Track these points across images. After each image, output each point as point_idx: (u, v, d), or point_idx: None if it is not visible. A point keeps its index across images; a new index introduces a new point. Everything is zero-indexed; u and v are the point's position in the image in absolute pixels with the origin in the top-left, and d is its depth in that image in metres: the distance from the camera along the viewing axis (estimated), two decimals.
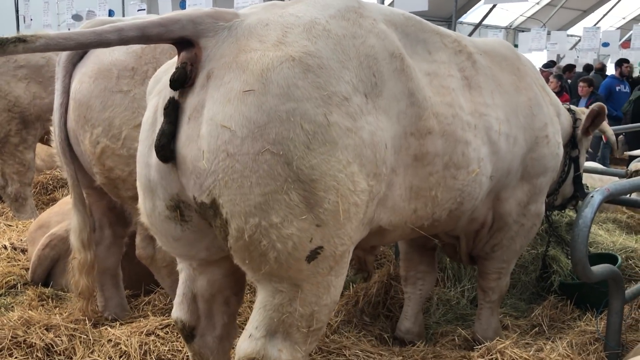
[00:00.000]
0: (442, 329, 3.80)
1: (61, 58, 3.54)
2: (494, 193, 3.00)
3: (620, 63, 12.24)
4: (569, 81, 13.14)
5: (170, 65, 2.24)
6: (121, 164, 3.33)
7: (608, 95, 11.43)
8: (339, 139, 1.93)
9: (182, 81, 1.93)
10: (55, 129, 3.51)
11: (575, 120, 3.77)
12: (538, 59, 18.18)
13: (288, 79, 1.87)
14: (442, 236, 3.20)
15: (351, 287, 4.13)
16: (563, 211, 4.39)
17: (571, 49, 23.16)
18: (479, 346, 3.01)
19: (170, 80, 1.94)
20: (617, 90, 11.59)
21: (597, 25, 20.20)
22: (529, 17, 27.41)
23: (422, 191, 2.41)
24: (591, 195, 2.81)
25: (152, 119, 2.12)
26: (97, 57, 3.45)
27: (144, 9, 10.45)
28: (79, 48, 1.87)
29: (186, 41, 1.96)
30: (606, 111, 3.82)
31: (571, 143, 3.76)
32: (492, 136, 2.71)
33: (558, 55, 21.16)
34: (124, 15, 11.94)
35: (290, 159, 1.85)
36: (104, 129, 3.33)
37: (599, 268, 2.96)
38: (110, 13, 11.54)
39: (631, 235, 5.62)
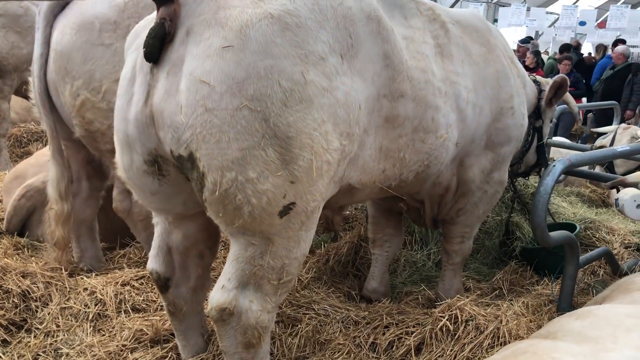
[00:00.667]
0: (407, 289, 3.97)
1: (42, 8, 3.52)
2: (458, 159, 3.12)
3: (616, 43, 12.13)
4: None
5: (149, 21, 2.24)
6: (101, 117, 3.36)
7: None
8: (315, 97, 1.99)
9: (161, 37, 1.95)
10: (34, 80, 3.51)
11: (540, 91, 3.90)
12: (517, 34, 18.29)
13: (266, 35, 1.91)
14: (407, 199, 3.32)
15: (322, 246, 4.27)
16: (527, 178, 4.56)
17: (550, 26, 23.31)
18: (440, 302, 3.18)
19: (147, 36, 1.96)
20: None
21: (575, 4, 20.34)
22: None
23: (391, 152, 2.51)
24: (553, 164, 2.96)
25: (130, 74, 2.13)
26: (80, 9, 3.44)
27: None
28: None
29: None
30: (568, 83, 3.95)
31: (535, 113, 3.90)
32: (460, 104, 2.81)
33: (537, 32, 21.32)
34: None
35: (267, 116, 1.90)
36: (84, 82, 3.35)
37: (556, 234, 3.13)
38: None
39: (592, 208, 5.88)
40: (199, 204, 2.14)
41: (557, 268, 3.74)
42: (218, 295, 2.20)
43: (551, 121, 4.27)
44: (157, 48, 1.96)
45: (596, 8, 22.88)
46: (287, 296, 3.50)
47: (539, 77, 4.06)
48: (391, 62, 2.36)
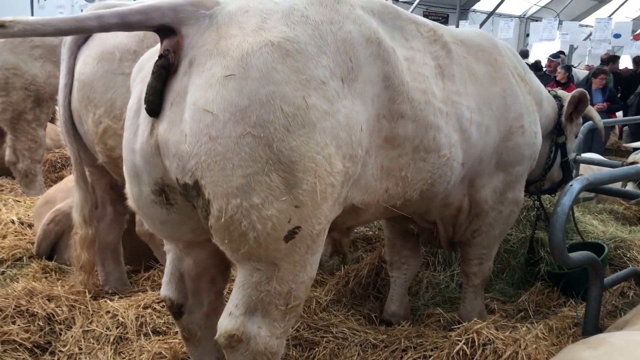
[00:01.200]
0: (429, 310, 3.92)
1: (66, 40, 3.66)
2: (468, 180, 3.09)
3: None
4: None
5: (153, 53, 2.30)
6: (122, 143, 3.45)
7: None
8: (317, 121, 2.01)
9: (165, 68, 1.99)
10: (60, 109, 3.64)
11: (560, 107, 3.83)
12: (549, 49, 18.05)
13: (267, 63, 1.94)
14: (418, 221, 3.29)
15: (342, 267, 4.26)
16: (553, 195, 4.46)
17: (585, 39, 22.92)
18: (457, 326, 3.13)
19: (152, 68, 2.01)
20: None
21: (610, 16, 19.94)
22: (543, 7, 27.13)
23: (392, 171, 2.50)
24: (570, 184, 2.90)
25: (136, 106, 2.18)
26: (101, 40, 3.57)
27: None
28: (58, 34, 1.93)
29: (168, 29, 2.02)
30: (588, 97, 3.87)
31: (557, 129, 3.82)
32: (463, 124, 2.79)
33: (571, 46, 21.00)
34: None
35: (270, 141, 1.92)
36: (106, 110, 3.46)
37: (577, 254, 3.05)
38: None
39: (625, 226, 5.70)
40: (206, 232, 2.16)
41: (583, 289, 3.64)
42: (226, 322, 2.21)
43: (576, 136, 4.19)
44: (161, 80, 2.01)
45: (633, 19, 22.46)
46: (305, 319, 3.50)
47: (560, 92, 3.99)
48: (391, 84, 2.37)
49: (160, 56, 2.01)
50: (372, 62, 2.29)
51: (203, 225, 2.11)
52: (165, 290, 2.64)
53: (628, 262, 4.47)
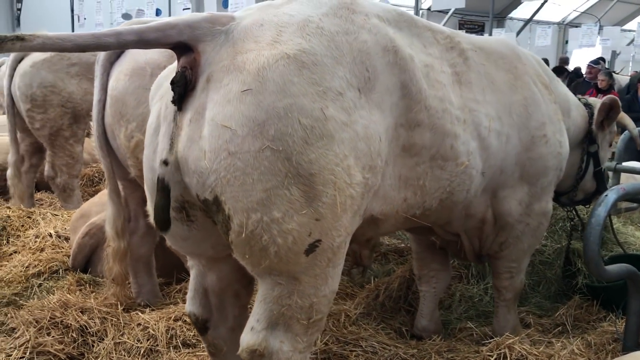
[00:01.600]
0: (462, 324, 3.83)
1: (100, 57, 3.76)
2: (490, 191, 3.02)
3: None
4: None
5: (171, 71, 2.31)
6: None
7: None
8: (336, 132, 1.99)
9: (183, 85, 2.00)
10: (94, 124, 3.73)
11: (591, 115, 3.71)
12: (590, 55, 17.64)
13: (284, 75, 1.94)
14: (440, 232, 3.21)
15: (373, 280, 4.22)
16: (588, 206, 4.31)
17: (628, 44, 22.36)
18: (488, 341, 3.05)
19: (171, 85, 2.02)
20: None
21: None
22: (583, 12, 26.60)
23: (410, 180, 2.47)
24: (605, 194, 2.80)
25: (155, 124, 2.20)
26: (133, 56, 3.65)
27: (189, 8, 10.75)
28: (77, 50, 1.95)
29: (185, 46, 2.03)
30: (620, 104, 3.74)
31: (588, 138, 3.71)
32: (481, 132, 2.74)
33: (613, 52, 20.49)
34: (170, 14, 12.31)
35: (289, 154, 1.92)
36: (137, 124, 3.53)
37: (615, 267, 2.95)
38: (158, 12, 11.93)
39: None
40: (227, 247, 2.16)
41: (623, 303, 3.50)
42: (248, 337, 2.20)
43: (610, 145, 4.05)
44: (180, 97, 2.02)
45: None
46: (334, 332, 3.47)
47: (591, 99, 3.88)
48: (409, 92, 2.34)
49: (178, 73, 2.02)
50: (389, 70, 2.27)
51: (224, 240, 2.11)
52: (190, 306, 2.65)
53: None
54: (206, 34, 2.04)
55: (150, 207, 2.32)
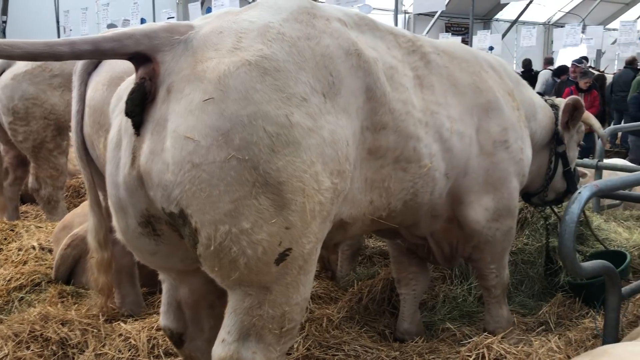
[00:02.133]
0: (445, 325, 3.83)
1: (77, 67, 3.76)
2: (455, 195, 3.02)
3: None
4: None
5: (130, 82, 2.27)
6: None
7: None
8: (302, 139, 1.97)
9: (142, 97, 1.96)
10: (73, 135, 3.71)
11: (558, 116, 3.74)
12: (577, 54, 17.75)
13: (246, 83, 1.91)
14: (407, 235, 3.21)
15: (355, 284, 4.22)
16: (560, 206, 4.34)
17: (613, 43, 22.50)
18: (467, 341, 3.06)
19: (128, 97, 1.97)
20: None
21: (635, 19, 19.52)
22: (567, 13, 26.80)
23: (375, 182, 2.48)
24: (579, 191, 2.82)
25: (116, 138, 2.14)
26: (110, 66, 3.65)
27: (174, 17, 10.76)
28: (28, 58, 1.91)
29: (143, 56, 1.99)
30: (582, 103, 3.77)
31: (555, 139, 3.73)
32: (443, 134, 2.76)
33: (599, 51, 20.63)
34: None
35: (256, 163, 1.89)
36: None
37: (591, 264, 2.96)
38: (142, 22, 11.92)
39: None
40: (197, 260, 2.12)
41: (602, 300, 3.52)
42: (219, 350, 2.17)
43: (579, 144, 4.08)
44: (138, 109, 1.98)
45: None
46: (317, 337, 3.47)
47: (558, 100, 3.90)
48: (373, 95, 2.35)
49: (137, 84, 1.98)
50: (353, 74, 2.26)
51: (193, 254, 2.08)
52: (164, 320, 2.62)
53: None
54: (164, 44, 2.01)
55: (115, 224, 2.27)
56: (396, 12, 7.74)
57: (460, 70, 3.02)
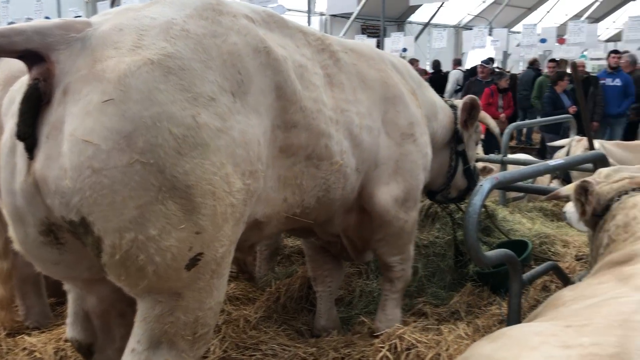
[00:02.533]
0: (361, 319, 3.90)
1: None
2: (367, 187, 3.09)
3: (608, 54, 11.64)
4: None
5: (23, 83, 2.09)
6: None
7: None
8: (210, 140, 1.92)
9: (35, 99, 1.83)
10: None
11: (457, 116, 3.90)
12: (482, 56, 18.64)
13: (148, 83, 1.83)
14: (320, 233, 3.25)
15: (273, 283, 4.22)
16: (461, 203, 4.53)
17: (517, 45, 23.74)
18: (380, 332, 3.13)
19: (21, 100, 1.85)
20: (601, 83, 10.93)
21: (536, 23, 20.75)
22: (475, 16, 28.06)
23: (288, 180, 2.49)
24: (480, 184, 2.95)
25: (10, 143, 1.99)
26: (7, 64, 3.44)
27: (81, 15, 10.31)
28: None
29: (35, 55, 1.86)
30: (479, 102, 3.96)
31: (455, 138, 3.89)
32: (353, 130, 2.81)
33: (505, 52, 21.71)
34: None
35: (162, 167, 1.81)
36: None
37: (493, 253, 3.10)
38: None
39: (553, 222, 5.89)
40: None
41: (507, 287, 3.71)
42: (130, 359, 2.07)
43: (477, 143, 4.28)
44: (32, 111, 1.85)
45: (562, 25, 23.45)
46: (233, 338, 3.43)
47: (457, 101, 4.08)
48: (284, 93, 2.34)
49: (30, 86, 1.85)
50: (262, 72, 2.24)
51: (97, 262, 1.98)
52: (71, 331, 2.48)
53: (553, 256, 4.60)
54: (60, 42, 1.88)
55: (12, 233, 2.11)
56: (309, 13, 7.80)
57: (368, 66, 3.09)
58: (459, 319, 3.95)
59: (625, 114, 10.92)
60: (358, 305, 4.16)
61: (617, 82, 10.79)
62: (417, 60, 16.27)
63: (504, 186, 3.54)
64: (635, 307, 1.79)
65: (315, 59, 2.71)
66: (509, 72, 17.31)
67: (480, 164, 5.48)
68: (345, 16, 21.23)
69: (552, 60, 12.47)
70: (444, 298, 4.32)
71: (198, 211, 1.91)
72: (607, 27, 31.46)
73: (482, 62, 13.30)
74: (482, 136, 4.98)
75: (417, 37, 21.58)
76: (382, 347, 2.90)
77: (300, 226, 2.79)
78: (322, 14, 21.96)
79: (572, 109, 10.05)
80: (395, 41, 15.99)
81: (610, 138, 9.86)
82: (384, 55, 3.42)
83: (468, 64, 20.86)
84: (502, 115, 11.12)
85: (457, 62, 16.25)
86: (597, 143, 6.56)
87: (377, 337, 3.10)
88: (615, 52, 11.20)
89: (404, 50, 15.71)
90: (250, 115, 2.13)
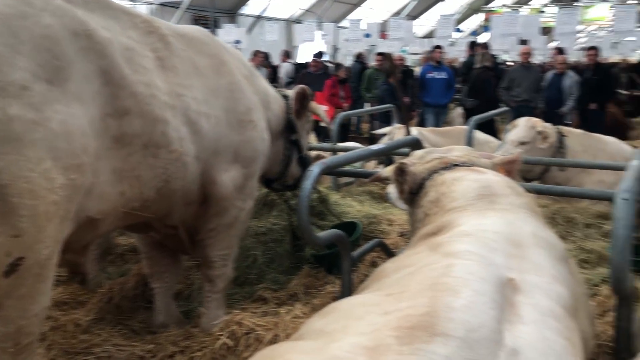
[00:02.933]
0: (201, 310, 3.87)
1: None
2: (208, 176, 3.04)
3: (433, 49, 12.50)
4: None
5: None
6: None
7: (422, 82, 11.84)
8: (24, 134, 1.78)
9: None
10: None
11: (289, 105, 3.99)
12: (314, 49, 19.31)
13: None
14: (159, 227, 3.17)
15: (105, 284, 4.01)
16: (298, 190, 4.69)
17: (345, 40, 24.92)
18: (218, 321, 3.14)
19: None
20: (429, 77, 11.78)
21: (361, 19, 21.93)
22: (306, 10, 28.88)
23: (125, 172, 2.38)
24: (310, 169, 3.08)
25: None
26: None
27: None
28: None
29: None
30: (309, 92, 4.14)
31: (288, 128, 3.99)
32: (191, 116, 2.76)
33: (334, 46, 22.67)
34: None
35: None
36: None
37: (324, 233, 3.26)
38: None
39: (381, 204, 6.32)
40: None
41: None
42: None
43: (308, 132, 4.46)
44: None
45: (385, 21, 25.06)
46: (62, 344, 3.21)
47: (289, 91, 4.20)
48: (111, 78, 2.23)
49: None
50: (83, 57, 2.11)
51: None
52: None
53: (380, 234, 4.94)
54: None
55: None
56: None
57: (200, 53, 3.02)
58: (297, 300, 4.09)
59: (449, 105, 12.16)
60: (197, 297, 4.11)
61: (443, 75, 11.84)
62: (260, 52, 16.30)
63: (332, 170, 3.71)
64: (442, 271, 1.99)
65: (143, 42, 2.59)
66: (339, 64, 18.18)
67: (313, 153, 5.71)
68: (175, 5, 20.65)
69: (380, 53, 13.34)
70: (283, 282, 4.43)
71: (15, 212, 1.77)
72: (423, 25, 34.26)
73: (313, 55, 13.77)
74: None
75: (249, 30, 21.68)
76: (221, 335, 2.91)
77: (138, 222, 2.67)
78: (149, 3, 21.09)
79: (407, 99, 10.85)
80: (227, 33, 15.92)
81: (436, 125, 10.80)
82: (216, 39, 3.38)
83: (300, 58, 21.45)
84: (346, 105, 11.74)
85: (287, 55, 16.55)
86: (414, 130, 7.19)
87: (215, 325, 3.10)
88: (438, 47, 12.28)
89: (237, 42, 15.70)
90: (72, 104, 2.00)
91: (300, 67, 15.46)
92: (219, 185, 3.11)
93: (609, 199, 2.63)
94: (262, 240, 4.68)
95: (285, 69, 15.63)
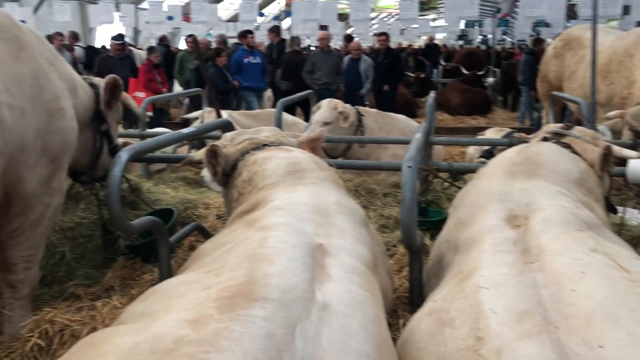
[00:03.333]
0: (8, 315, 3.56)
1: None
2: (12, 173, 2.81)
3: (245, 34, 12.43)
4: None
5: None
6: None
7: (238, 67, 11.74)
8: None
9: None
10: None
11: (97, 94, 3.81)
12: (113, 32, 18.25)
13: None
14: None
15: None
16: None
17: (147, 22, 23.89)
18: (26, 322, 2.94)
19: None
20: (245, 62, 11.80)
21: (162, 1, 21.21)
22: None
23: None
24: (119, 155, 3.00)
25: None
26: None
27: None
28: None
29: None
30: (121, 82, 4.01)
31: (98, 118, 3.82)
32: None
33: (135, 29, 21.61)
34: None
35: None
36: None
37: (138, 221, 3.21)
38: None
39: (197, 189, 6.31)
40: None
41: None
42: None
43: (118, 123, 4.32)
44: None
45: (187, 4, 24.48)
46: None
47: (97, 79, 4.01)
48: None
49: None
50: None
51: None
52: None
53: (197, 219, 4.96)
54: None
55: None
56: None
57: None
58: (114, 293, 3.95)
59: (265, 88, 12.40)
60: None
61: (258, 59, 12.08)
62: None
63: (142, 156, 3.64)
64: (258, 243, 2.14)
65: None
66: (140, 48, 17.43)
67: (121, 140, 5.47)
68: None
69: (190, 35, 13.23)
70: (97, 277, 4.24)
71: None
72: (227, 9, 34.19)
73: (112, 38, 13.02)
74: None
75: (36, 9, 19.68)
76: (32, 336, 2.74)
77: None
78: None
79: (236, 82, 11.18)
80: (11, 12, 14.29)
81: (248, 109, 10.97)
82: (17, 21, 3.09)
83: (98, 41, 20.09)
84: (164, 90, 11.40)
85: (75, 37, 15.24)
86: (224, 113, 7.26)
87: (23, 327, 2.89)
88: (250, 32, 12.52)
89: (23, 22, 14.18)
90: None
91: (92, 51, 14.49)
92: (26, 182, 2.88)
93: (399, 169, 2.98)
94: (70, 235, 4.40)
95: (77, 53, 14.53)
